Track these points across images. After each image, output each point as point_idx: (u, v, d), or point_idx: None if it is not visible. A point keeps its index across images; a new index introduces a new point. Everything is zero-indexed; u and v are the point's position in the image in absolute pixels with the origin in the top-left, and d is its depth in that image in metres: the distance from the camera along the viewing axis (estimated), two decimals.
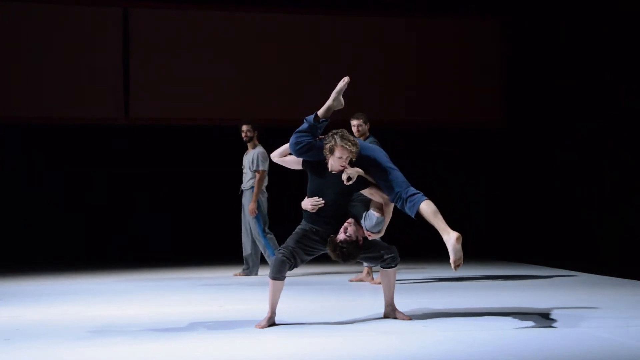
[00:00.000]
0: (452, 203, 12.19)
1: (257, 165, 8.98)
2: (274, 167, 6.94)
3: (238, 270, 9.29)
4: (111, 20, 11.59)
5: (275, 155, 5.81)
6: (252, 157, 9.05)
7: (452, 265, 5.19)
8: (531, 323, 5.49)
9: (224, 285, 8.29)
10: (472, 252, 11.25)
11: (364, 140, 7.49)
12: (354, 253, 5.48)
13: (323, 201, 5.55)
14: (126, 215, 11.79)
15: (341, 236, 5.46)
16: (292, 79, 11.92)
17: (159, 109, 11.67)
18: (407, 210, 5.38)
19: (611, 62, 10.92)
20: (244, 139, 9.14)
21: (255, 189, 8.98)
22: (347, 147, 5.40)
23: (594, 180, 11.21)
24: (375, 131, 7.99)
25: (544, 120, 11.92)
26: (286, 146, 5.69)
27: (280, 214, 9.31)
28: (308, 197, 5.62)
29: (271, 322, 5.51)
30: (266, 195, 9.13)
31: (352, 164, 5.49)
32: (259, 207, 9.02)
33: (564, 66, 11.62)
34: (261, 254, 9.20)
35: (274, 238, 9.03)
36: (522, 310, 6.00)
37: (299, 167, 5.73)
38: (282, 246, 5.55)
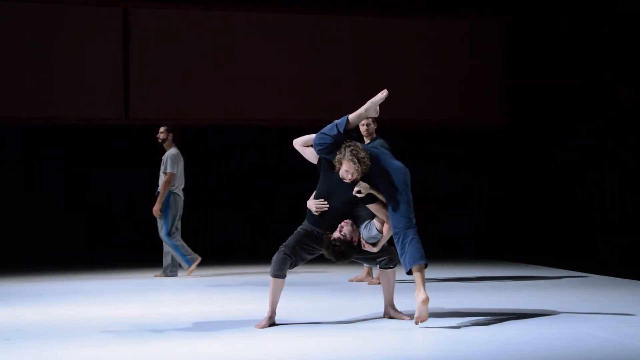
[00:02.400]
0: (452, 203, 12.25)
1: (166, 167, 8.99)
2: (283, 163, 6.92)
3: (239, 269, 9.27)
4: (111, 20, 11.56)
5: (298, 143, 5.79)
6: (164, 159, 9.06)
7: (415, 320, 5.33)
8: (531, 323, 5.50)
9: (224, 286, 8.28)
10: (473, 252, 11.32)
11: (372, 141, 7.48)
12: (347, 252, 5.49)
13: (327, 205, 5.56)
14: (126, 215, 11.77)
15: (336, 234, 5.47)
16: (292, 79, 11.89)
17: (159, 109, 11.64)
18: (401, 261, 5.45)
19: (611, 62, 10.92)
20: (159, 141, 9.14)
21: (161, 191, 8.97)
22: (353, 163, 5.39)
23: (593, 180, 11.22)
24: (377, 131, 7.97)
25: (544, 120, 11.91)
26: (310, 137, 5.70)
27: (281, 214, 9.30)
28: (315, 198, 5.62)
29: (271, 322, 5.50)
30: (181, 197, 9.08)
31: (367, 172, 5.46)
32: (169, 209, 8.97)
33: (564, 66, 11.62)
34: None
35: (185, 244, 8.95)
36: (522, 310, 6.00)
37: (315, 161, 5.75)
38: (283, 244, 5.55)
